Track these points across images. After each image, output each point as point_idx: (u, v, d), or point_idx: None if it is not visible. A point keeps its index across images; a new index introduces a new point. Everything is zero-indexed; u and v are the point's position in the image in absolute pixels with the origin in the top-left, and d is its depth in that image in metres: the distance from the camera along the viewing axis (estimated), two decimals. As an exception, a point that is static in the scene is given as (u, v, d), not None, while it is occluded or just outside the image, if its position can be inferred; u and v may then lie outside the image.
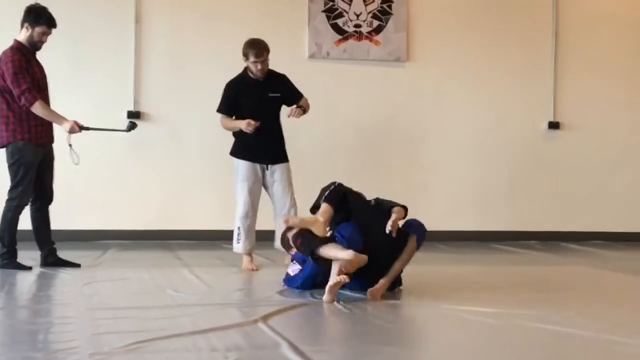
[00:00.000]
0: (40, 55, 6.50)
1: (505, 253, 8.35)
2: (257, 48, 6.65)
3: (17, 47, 6.23)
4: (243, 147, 6.75)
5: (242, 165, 6.74)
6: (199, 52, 9.04)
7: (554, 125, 9.66)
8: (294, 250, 5.43)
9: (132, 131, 6.94)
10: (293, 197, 6.84)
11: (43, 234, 6.50)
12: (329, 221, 5.39)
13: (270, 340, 3.95)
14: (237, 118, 6.71)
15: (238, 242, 6.73)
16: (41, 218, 6.48)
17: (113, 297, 5.21)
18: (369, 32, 9.31)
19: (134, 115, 8.82)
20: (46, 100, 6.39)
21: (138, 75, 8.87)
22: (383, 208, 5.46)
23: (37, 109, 6.20)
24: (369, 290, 5.18)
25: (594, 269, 7.17)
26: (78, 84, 8.79)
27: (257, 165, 6.74)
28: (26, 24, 6.26)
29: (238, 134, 6.76)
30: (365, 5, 9.31)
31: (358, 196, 5.57)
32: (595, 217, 9.81)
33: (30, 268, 6.28)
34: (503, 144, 9.54)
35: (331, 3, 9.24)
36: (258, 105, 6.66)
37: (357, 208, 5.44)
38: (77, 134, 6.46)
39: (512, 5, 9.67)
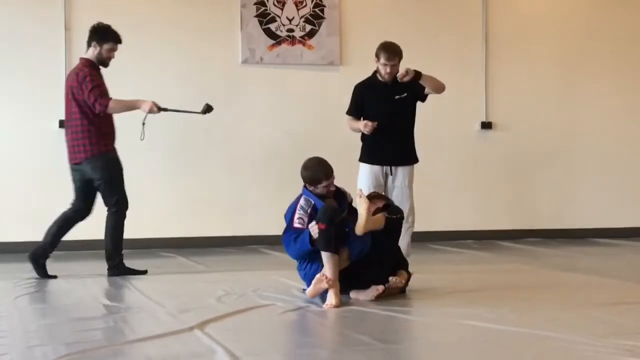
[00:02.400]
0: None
1: (442, 253, 8.44)
2: (389, 51, 6.49)
3: (88, 64, 6.54)
4: (367, 151, 6.64)
5: (363, 170, 6.63)
6: (131, 60, 8.95)
7: (486, 125, 9.81)
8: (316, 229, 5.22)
9: (208, 114, 6.87)
10: (411, 203, 6.61)
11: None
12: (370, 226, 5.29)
13: (206, 347, 3.93)
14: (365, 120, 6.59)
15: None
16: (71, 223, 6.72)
17: (47, 309, 5.15)
18: (302, 37, 9.34)
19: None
20: None
21: (69, 83, 8.76)
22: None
23: (113, 106, 6.48)
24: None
25: (527, 266, 7.29)
26: (8, 93, 8.67)
27: (381, 169, 6.59)
28: (94, 42, 6.55)
29: (364, 138, 6.66)
30: (298, 10, 9.33)
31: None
32: (527, 215, 9.98)
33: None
34: (437, 145, 9.63)
35: (263, 8, 9.24)
36: (383, 108, 6.55)
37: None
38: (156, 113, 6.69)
39: (443, 8, 9.79)
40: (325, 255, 5.14)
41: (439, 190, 9.61)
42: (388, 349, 4.03)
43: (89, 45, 6.61)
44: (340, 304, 5.03)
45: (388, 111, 6.56)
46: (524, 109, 9.97)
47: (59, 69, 8.74)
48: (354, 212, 5.47)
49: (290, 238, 5.38)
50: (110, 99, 6.50)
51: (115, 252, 6.64)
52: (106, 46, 6.55)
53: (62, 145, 8.51)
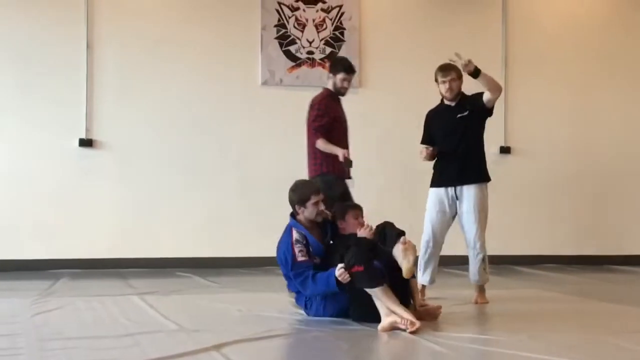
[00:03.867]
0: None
1: (459, 277, 8.39)
2: (444, 68, 6.41)
3: (326, 94, 6.98)
4: (434, 175, 6.57)
5: (429, 194, 6.55)
6: (151, 79, 9.02)
7: (505, 150, 9.79)
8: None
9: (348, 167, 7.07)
10: (479, 229, 6.42)
11: None
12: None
13: (223, 368, 3.93)
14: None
15: (417, 272, 6.40)
16: None
17: (64, 327, 5.14)
18: (322, 59, 9.38)
19: (86, 142, 8.76)
20: (344, 136, 7.02)
21: (90, 102, 8.83)
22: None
23: (319, 145, 6.83)
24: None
25: (545, 292, 7.24)
26: (29, 111, 8.73)
27: (446, 192, 6.45)
28: (330, 74, 7.03)
29: (434, 165, 6.60)
30: (318, 32, 9.37)
31: None
32: (544, 240, 9.92)
33: None
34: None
35: (284, 30, 9.29)
36: (447, 130, 6.46)
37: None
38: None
39: (462, 32, 9.81)
40: (379, 291, 5.03)
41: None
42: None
43: (328, 76, 7.09)
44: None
45: (452, 132, 6.44)
46: (543, 134, 9.96)
47: (80, 87, 8.81)
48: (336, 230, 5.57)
49: (304, 275, 5.30)
50: (320, 137, 6.81)
51: None
52: (339, 76, 6.93)
53: (82, 163, 8.59)
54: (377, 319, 5.07)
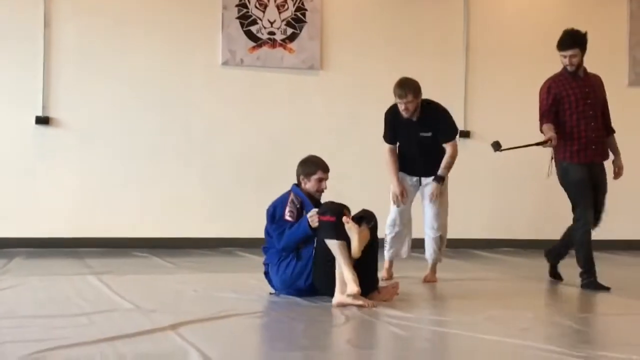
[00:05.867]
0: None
1: (417, 260, 8.42)
2: (400, 88, 6.33)
3: (554, 76, 6.80)
4: (400, 161, 6.62)
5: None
6: (110, 58, 8.92)
7: (465, 134, 9.82)
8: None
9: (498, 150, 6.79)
10: (440, 210, 6.63)
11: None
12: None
13: (179, 348, 3.90)
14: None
15: (384, 249, 6.57)
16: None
17: (18, 306, 5.08)
18: (283, 40, 9.33)
19: (43, 120, 8.64)
20: (587, 113, 6.53)
21: (47, 80, 8.71)
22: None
23: (542, 128, 6.55)
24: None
25: (503, 275, 7.31)
26: (-16, 88, 8.59)
27: (410, 178, 6.60)
28: None
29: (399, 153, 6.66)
30: (279, 13, 9.32)
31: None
32: (503, 224, 10.00)
33: (608, 289, 6.25)
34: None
35: (245, 10, 9.22)
36: (411, 142, 6.55)
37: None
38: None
39: (424, 17, 9.81)
40: (337, 244, 5.21)
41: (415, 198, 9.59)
42: (360, 354, 4.03)
43: None
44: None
45: (415, 144, 6.55)
46: (502, 119, 9.99)
47: (37, 64, 8.68)
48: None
49: (282, 228, 5.50)
50: (543, 123, 6.54)
51: (584, 270, 6.44)
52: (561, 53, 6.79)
53: (38, 141, 8.47)
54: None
